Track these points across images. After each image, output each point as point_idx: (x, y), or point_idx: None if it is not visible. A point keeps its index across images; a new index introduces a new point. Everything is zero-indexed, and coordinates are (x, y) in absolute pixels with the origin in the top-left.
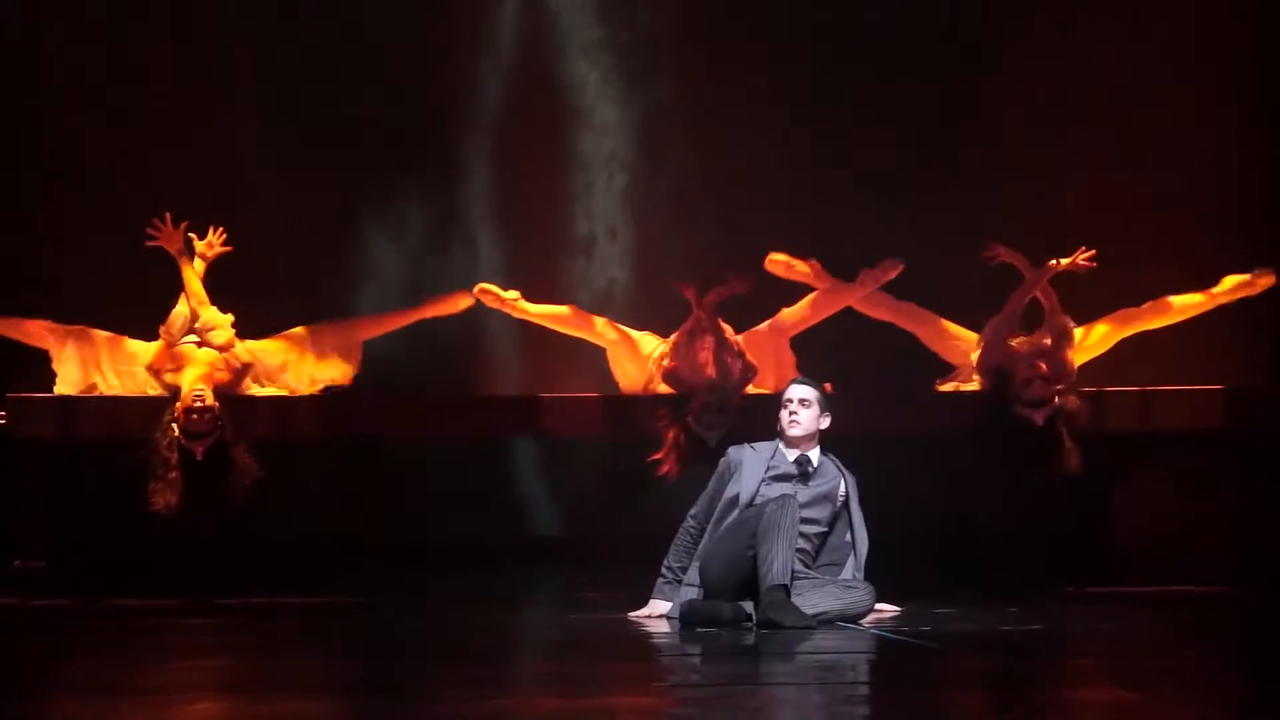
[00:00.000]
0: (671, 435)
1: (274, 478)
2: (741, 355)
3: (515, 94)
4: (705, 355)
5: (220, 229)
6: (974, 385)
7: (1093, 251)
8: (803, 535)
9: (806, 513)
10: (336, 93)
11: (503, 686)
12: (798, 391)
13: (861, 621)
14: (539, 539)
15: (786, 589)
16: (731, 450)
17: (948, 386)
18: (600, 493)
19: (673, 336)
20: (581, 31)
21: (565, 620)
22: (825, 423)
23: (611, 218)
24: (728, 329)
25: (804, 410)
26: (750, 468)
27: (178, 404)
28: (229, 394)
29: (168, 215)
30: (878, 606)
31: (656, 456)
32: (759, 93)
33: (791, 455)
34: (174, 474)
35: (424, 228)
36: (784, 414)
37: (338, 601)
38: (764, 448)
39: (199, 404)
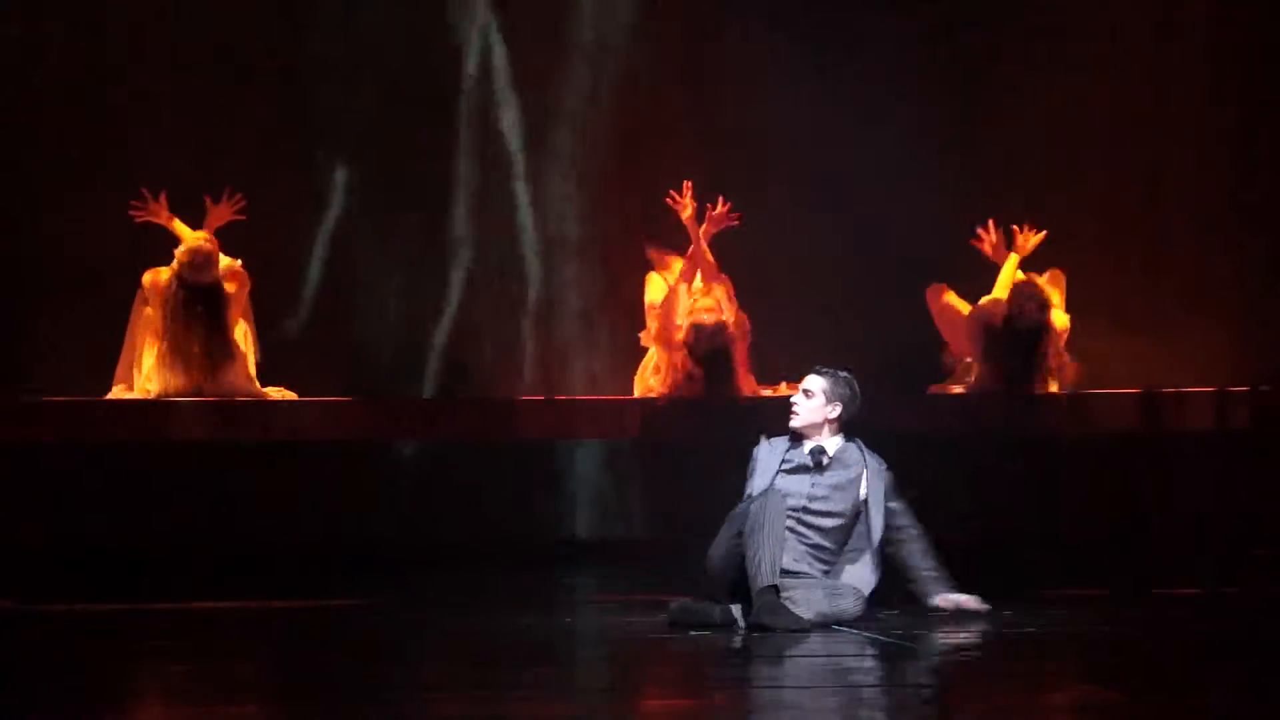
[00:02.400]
0: (671, 380)
1: (277, 480)
2: (724, 306)
3: (505, 95)
4: (691, 303)
5: (238, 195)
6: (966, 385)
7: (1039, 233)
8: (817, 529)
9: (821, 505)
10: (328, 93)
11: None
12: (803, 382)
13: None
14: (549, 541)
15: (777, 589)
16: (756, 447)
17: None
18: (611, 495)
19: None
20: (575, 33)
21: (569, 624)
22: (833, 412)
23: (603, 221)
24: (724, 283)
25: (804, 400)
26: (765, 462)
27: (179, 251)
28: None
29: (144, 191)
30: (958, 599)
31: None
32: (757, 92)
33: (807, 446)
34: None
35: (414, 228)
36: None
37: (342, 605)
38: (780, 441)
39: (205, 245)
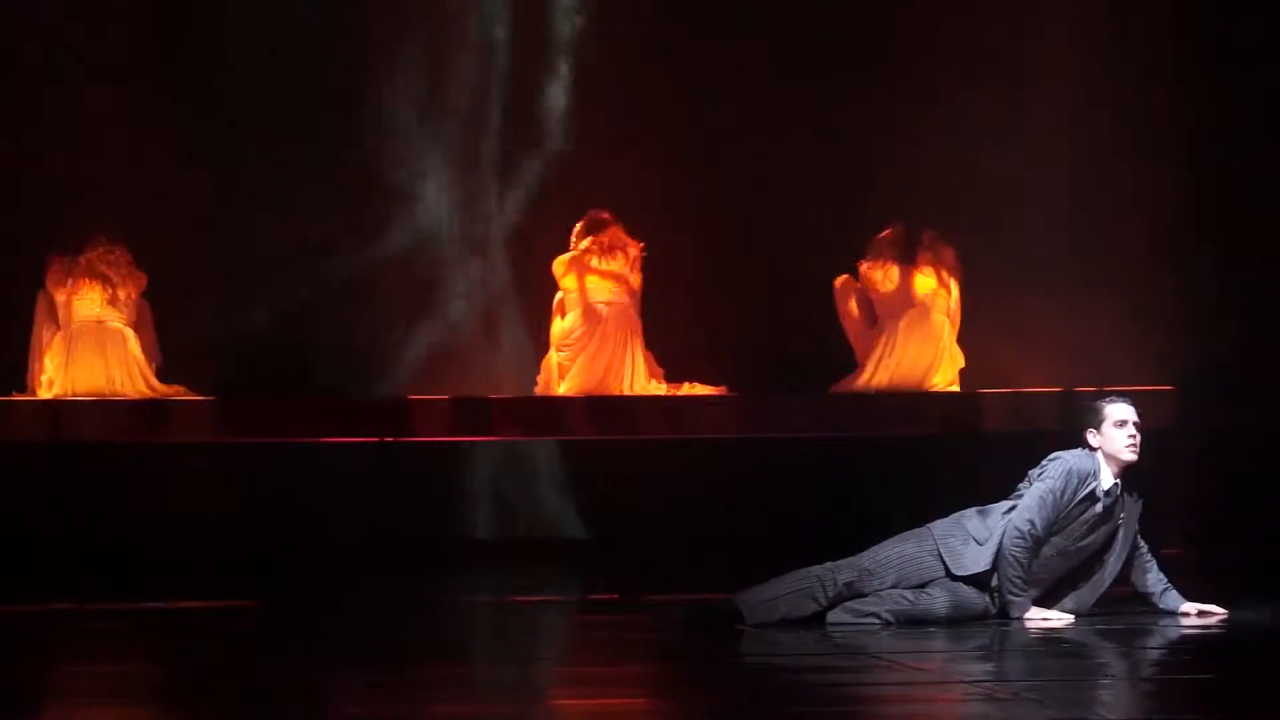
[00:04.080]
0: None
1: (169, 480)
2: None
3: (428, 95)
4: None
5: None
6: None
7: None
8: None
9: (1088, 540)
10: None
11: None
12: (1130, 413)
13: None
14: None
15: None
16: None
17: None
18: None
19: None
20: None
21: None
22: None
23: (508, 222)
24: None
25: (1136, 433)
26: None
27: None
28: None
29: None
30: (1201, 607)
31: None
32: (669, 95)
33: (1107, 483)
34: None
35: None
36: (1118, 434)
37: (239, 605)
38: (1087, 464)
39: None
